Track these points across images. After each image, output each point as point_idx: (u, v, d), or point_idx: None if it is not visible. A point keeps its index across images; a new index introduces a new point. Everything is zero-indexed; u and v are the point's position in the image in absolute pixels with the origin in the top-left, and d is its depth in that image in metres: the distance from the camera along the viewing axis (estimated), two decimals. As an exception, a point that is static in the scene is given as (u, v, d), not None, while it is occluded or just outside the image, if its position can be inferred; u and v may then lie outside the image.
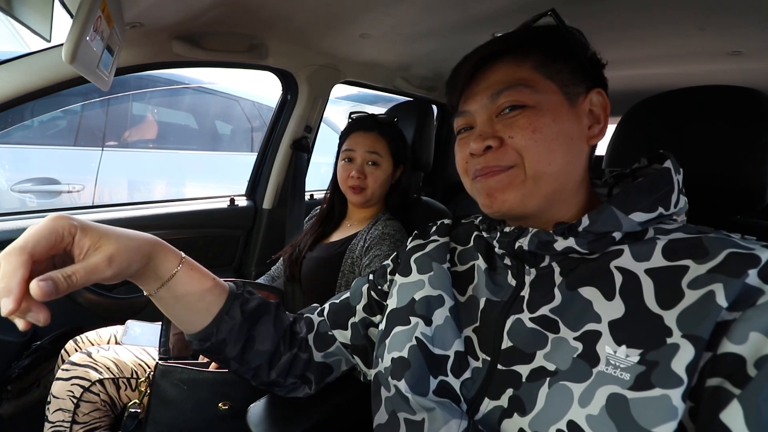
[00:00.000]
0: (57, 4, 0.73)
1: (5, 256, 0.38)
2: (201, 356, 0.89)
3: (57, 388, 0.88)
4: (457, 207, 1.82)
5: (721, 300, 0.36)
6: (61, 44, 0.68)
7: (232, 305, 0.59)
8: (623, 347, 0.39)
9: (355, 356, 0.68)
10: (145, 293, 0.54)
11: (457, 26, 1.05)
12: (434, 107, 1.66)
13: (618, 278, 0.43)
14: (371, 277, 0.69)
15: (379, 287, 0.66)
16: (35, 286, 0.37)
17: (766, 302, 0.35)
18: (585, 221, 0.45)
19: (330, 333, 0.68)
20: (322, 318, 0.70)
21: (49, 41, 0.75)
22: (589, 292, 0.44)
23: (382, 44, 1.23)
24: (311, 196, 1.83)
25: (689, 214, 0.50)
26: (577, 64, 0.50)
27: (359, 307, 0.67)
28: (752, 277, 0.36)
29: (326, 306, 0.71)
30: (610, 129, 0.72)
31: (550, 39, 0.50)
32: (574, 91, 0.49)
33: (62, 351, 1.05)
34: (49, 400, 0.88)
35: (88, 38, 0.65)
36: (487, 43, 0.51)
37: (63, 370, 0.90)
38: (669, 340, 0.37)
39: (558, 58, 0.49)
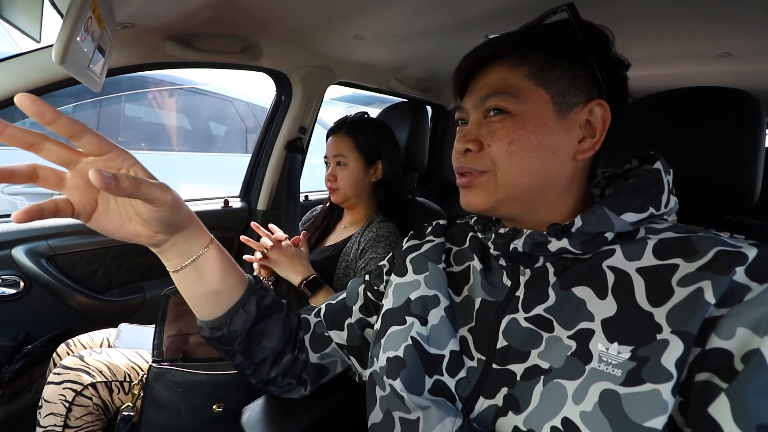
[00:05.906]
0: (47, 4, 0.72)
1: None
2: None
3: (49, 392, 0.87)
4: (452, 207, 1.81)
5: (710, 297, 0.37)
6: (51, 45, 0.67)
7: (249, 300, 0.61)
8: (615, 344, 0.40)
9: (351, 357, 0.68)
10: (172, 270, 0.54)
11: (450, 27, 1.05)
12: (428, 108, 1.65)
13: (610, 277, 0.43)
14: (367, 277, 0.69)
15: (376, 288, 0.66)
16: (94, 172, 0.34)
17: (753, 298, 0.35)
18: (578, 222, 0.45)
19: (326, 334, 0.68)
20: (319, 319, 0.70)
21: (39, 42, 0.74)
22: (582, 292, 0.44)
23: (376, 45, 1.23)
24: (306, 197, 1.82)
25: (681, 213, 0.50)
26: (586, 68, 0.46)
27: (355, 308, 0.67)
28: (739, 275, 0.37)
29: (323, 307, 0.71)
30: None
31: (558, 38, 0.46)
32: (570, 101, 0.46)
33: (54, 355, 1.03)
34: (40, 404, 0.87)
35: (78, 39, 0.65)
36: (490, 41, 0.50)
37: (55, 374, 0.89)
38: (659, 336, 0.38)
39: (561, 61, 0.46)
